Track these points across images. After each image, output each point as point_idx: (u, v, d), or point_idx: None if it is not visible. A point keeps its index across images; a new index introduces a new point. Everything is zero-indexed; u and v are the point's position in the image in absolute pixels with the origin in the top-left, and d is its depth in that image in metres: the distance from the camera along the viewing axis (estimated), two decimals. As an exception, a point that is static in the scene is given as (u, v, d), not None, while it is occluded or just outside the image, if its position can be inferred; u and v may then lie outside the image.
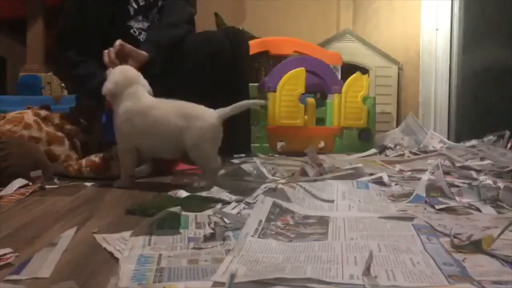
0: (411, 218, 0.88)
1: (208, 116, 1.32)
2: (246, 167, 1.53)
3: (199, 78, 1.73)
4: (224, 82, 1.78)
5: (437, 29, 2.78)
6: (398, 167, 1.69)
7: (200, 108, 1.35)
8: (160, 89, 1.46)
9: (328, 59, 2.59)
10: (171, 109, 1.34)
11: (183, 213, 0.92)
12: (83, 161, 1.53)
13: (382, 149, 2.32)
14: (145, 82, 1.41)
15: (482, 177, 1.30)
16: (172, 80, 1.69)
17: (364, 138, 2.46)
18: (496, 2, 2.51)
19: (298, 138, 2.33)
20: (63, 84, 2.35)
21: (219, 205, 1.04)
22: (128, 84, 1.36)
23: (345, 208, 1.00)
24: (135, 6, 1.79)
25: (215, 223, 0.86)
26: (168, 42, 1.69)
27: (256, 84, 2.38)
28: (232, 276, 0.56)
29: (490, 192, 1.11)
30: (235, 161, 1.74)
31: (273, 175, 1.46)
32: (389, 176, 1.32)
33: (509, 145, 1.98)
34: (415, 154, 2.07)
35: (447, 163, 1.54)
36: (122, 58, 1.51)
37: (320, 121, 2.46)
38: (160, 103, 1.37)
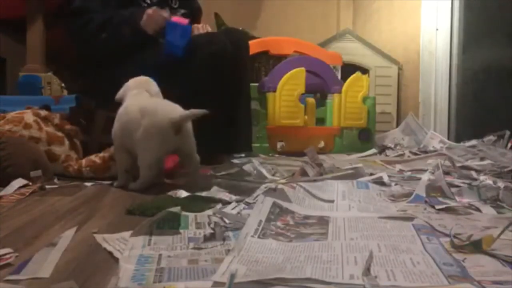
0: (411, 218, 0.88)
1: (160, 114, 1.27)
2: (246, 167, 1.53)
3: (201, 79, 1.74)
4: (226, 83, 1.78)
5: (437, 29, 2.78)
6: (398, 167, 1.69)
7: (162, 105, 1.31)
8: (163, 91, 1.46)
9: (328, 59, 2.59)
10: (137, 105, 1.33)
11: (183, 213, 0.92)
12: (83, 161, 1.53)
13: (382, 149, 2.33)
14: (152, 87, 1.43)
15: (482, 177, 1.30)
16: (174, 81, 1.69)
17: (364, 138, 2.46)
18: (496, 2, 2.51)
19: (298, 138, 2.34)
20: (63, 84, 2.35)
21: (219, 205, 1.04)
22: (132, 88, 1.41)
23: (345, 208, 1.00)
24: None
25: (215, 223, 0.86)
26: None
27: (256, 84, 2.39)
28: (232, 276, 0.56)
29: (490, 192, 1.11)
30: (235, 161, 1.74)
31: (273, 175, 1.46)
32: (389, 176, 1.32)
33: (509, 145, 1.99)
34: (415, 154, 2.08)
35: (447, 163, 1.54)
36: None
37: (320, 121, 2.46)
38: (135, 101, 1.36)
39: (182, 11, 1.95)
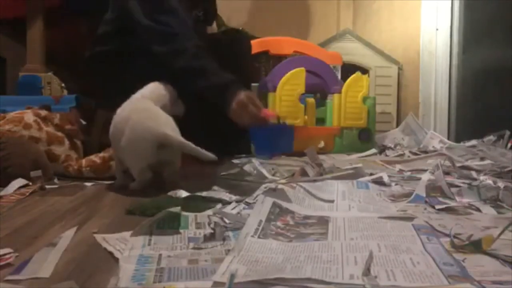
0: (411, 218, 0.88)
1: (145, 127, 1.22)
2: (246, 167, 1.53)
3: None
4: None
5: (437, 29, 2.78)
6: (398, 167, 1.68)
7: (152, 116, 1.25)
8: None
9: (328, 59, 2.58)
10: (127, 110, 1.30)
11: (183, 213, 0.92)
12: (83, 161, 1.53)
13: (382, 149, 2.33)
14: (158, 91, 1.38)
15: (482, 177, 1.30)
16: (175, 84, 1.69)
17: (364, 138, 2.46)
18: (496, 2, 2.51)
19: (298, 138, 2.33)
20: (63, 84, 2.35)
21: (219, 205, 1.04)
22: (147, 96, 1.37)
23: (345, 208, 1.00)
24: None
25: (215, 223, 0.86)
26: None
27: (256, 84, 2.38)
28: (232, 276, 0.56)
29: (490, 192, 1.11)
30: (236, 161, 1.74)
31: (273, 175, 1.46)
32: (389, 176, 1.32)
33: (509, 145, 1.99)
34: (415, 154, 2.07)
35: (447, 163, 1.54)
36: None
37: (320, 121, 2.46)
38: (129, 103, 1.34)
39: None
